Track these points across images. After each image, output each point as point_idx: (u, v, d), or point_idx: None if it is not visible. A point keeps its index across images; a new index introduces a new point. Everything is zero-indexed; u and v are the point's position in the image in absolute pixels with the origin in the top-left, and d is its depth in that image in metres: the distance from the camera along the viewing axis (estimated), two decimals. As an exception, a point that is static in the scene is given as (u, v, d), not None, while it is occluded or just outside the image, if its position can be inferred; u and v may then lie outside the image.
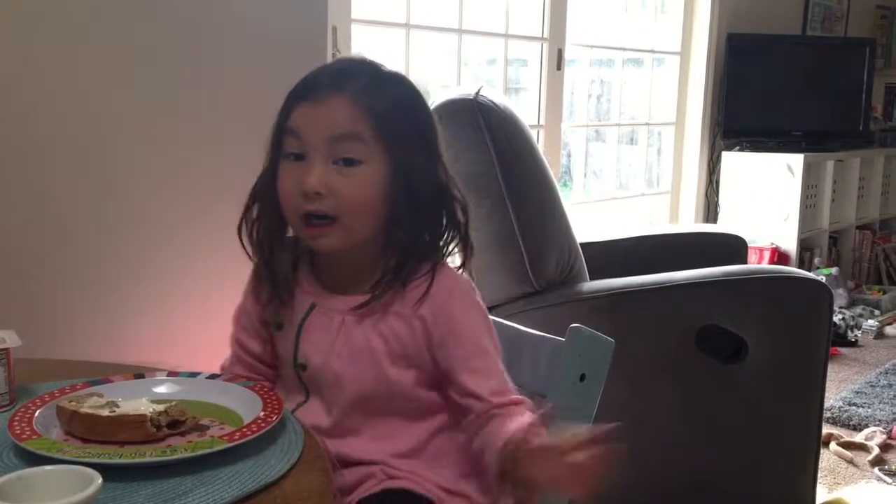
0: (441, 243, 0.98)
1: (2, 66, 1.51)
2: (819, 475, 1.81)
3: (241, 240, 1.00)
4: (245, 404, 0.88)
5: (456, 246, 0.99)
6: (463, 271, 1.00)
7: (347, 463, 0.98)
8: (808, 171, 3.63)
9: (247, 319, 1.04)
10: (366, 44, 2.28)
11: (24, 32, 1.53)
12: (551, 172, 1.87)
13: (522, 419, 0.89)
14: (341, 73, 0.95)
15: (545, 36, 2.91)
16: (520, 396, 0.96)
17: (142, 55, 1.69)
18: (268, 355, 1.05)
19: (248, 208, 1.00)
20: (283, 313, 1.00)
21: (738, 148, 3.72)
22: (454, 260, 1.01)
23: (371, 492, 0.96)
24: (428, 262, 0.96)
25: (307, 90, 0.94)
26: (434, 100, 1.82)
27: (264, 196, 0.98)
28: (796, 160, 3.58)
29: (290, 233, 1.01)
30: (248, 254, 1.00)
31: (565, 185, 3.29)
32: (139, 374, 0.97)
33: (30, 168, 1.57)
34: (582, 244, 1.88)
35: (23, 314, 1.51)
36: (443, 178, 0.97)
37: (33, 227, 1.58)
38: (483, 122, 1.73)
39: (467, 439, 0.96)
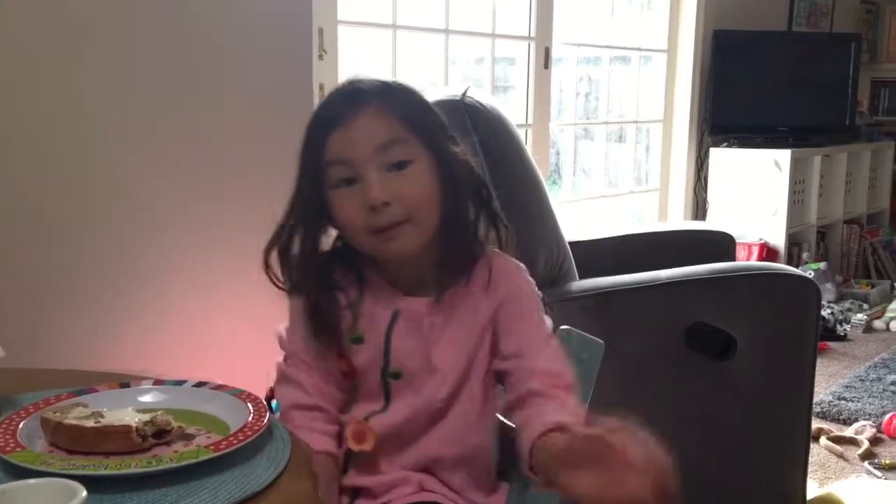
0: (478, 226, 1.02)
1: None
2: (809, 470, 1.82)
3: (269, 275, 1.00)
4: (232, 412, 0.88)
5: (491, 225, 1.02)
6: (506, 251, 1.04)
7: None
8: (796, 166, 3.65)
9: (318, 347, 1.01)
10: (352, 45, 2.27)
11: (16, 32, 1.52)
12: (539, 172, 1.87)
13: (565, 407, 0.90)
14: (353, 93, 0.97)
15: (532, 35, 2.90)
16: (569, 380, 0.96)
17: (126, 59, 1.68)
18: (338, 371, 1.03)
19: (277, 240, 1.00)
20: (360, 326, 1.00)
21: (725, 144, 3.73)
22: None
23: (405, 501, 0.98)
24: (479, 246, 1.01)
25: (331, 121, 0.95)
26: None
27: (308, 230, 0.99)
28: (783, 156, 3.60)
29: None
30: (278, 286, 1.01)
31: (554, 183, 3.30)
32: (124, 382, 0.96)
33: (14, 174, 1.55)
34: (571, 243, 1.87)
35: (5, 324, 1.50)
36: (468, 158, 1.01)
37: (16, 235, 1.57)
38: (470, 122, 1.72)
39: (508, 403, 0.98)
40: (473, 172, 1.01)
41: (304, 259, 0.99)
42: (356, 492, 1.01)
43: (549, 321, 1.03)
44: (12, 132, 1.54)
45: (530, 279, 1.03)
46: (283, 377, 1.02)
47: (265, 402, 0.90)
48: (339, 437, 1.00)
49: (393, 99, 0.96)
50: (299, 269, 1.00)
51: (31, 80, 1.56)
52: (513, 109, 2.89)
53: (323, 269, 1.01)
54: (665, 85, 3.65)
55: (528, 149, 1.88)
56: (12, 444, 0.79)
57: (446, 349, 0.99)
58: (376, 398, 1.01)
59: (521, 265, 1.04)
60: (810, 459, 1.83)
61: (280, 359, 1.04)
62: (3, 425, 0.83)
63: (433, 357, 0.99)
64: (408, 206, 0.94)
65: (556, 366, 0.97)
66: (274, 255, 1.01)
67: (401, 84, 1.00)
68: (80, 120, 1.63)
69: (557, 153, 3.34)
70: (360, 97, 0.95)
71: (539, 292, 1.04)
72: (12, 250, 1.56)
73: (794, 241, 3.81)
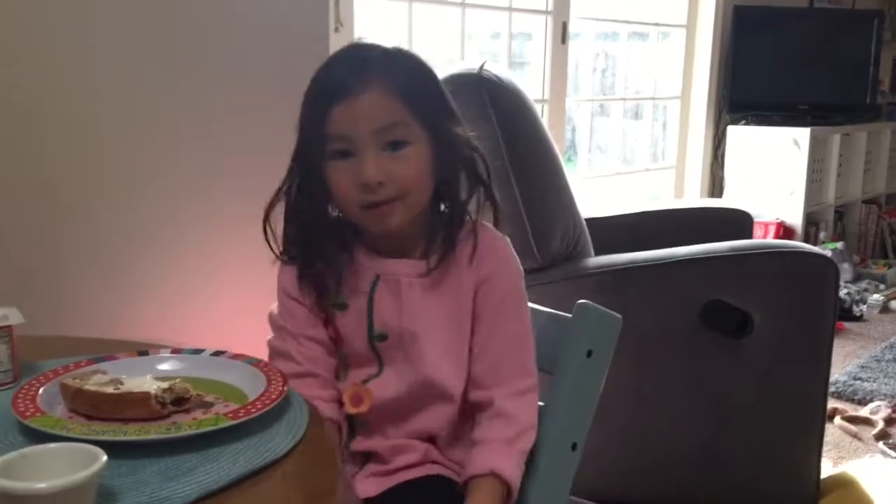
0: (470, 199, 1.02)
1: (21, 64, 1.50)
2: (824, 449, 1.81)
3: (268, 242, 1.00)
4: (249, 381, 0.88)
5: (486, 200, 1.02)
6: (497, 227, 1.04)
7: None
8: (815, 144, 3.60)
9: (304, 317, 1.01)
10: (368, 18, 2.26)
11: (40, 32, 1.52)
12: (556, 147, 1.85)
13: (512, 445, 0.95)
14: (360, 64, 0.95)
15: (549, 9, 2.87)
16: (523, 383, 0.99)
17: (141, 29, 1.67)
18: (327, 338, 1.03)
19: (269, 208, 1.00)
20: (343, 293, 1.00)
21: (743, 122, 3.69)
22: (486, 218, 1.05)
23: (415, 476, 0.99)
24: (465, 218, 1.01)
25: (335, 92, 0.94)
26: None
27: (306, 198, 0.99)
28: (802, 134, 3.56)
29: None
30: (274, 252, 1.01)
31: (570, 159, 3.28)
32: (143, 350, 0.96)
33: (33, 147, 1.56)
34: (586, 219, 1.87)
35: (26, 291, 1.51)
36: (468, 136, 1.00)
37: (37, 204, 1.57)
38: (487, 97, 1.71)
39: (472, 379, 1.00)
40: (472, 148, 1.00)
41: (299, 224, 0.99)
42: (367, 457, 1.02)
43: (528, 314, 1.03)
44: (38, 108, 1.55)
45: (514, 254, 1.03)
46: (273, 353, 1.03)
47: (281, 371, 0.90)
48: (339, 403, 1.01)
49: (398, 75, 0.95)
50: (294, 234, 1.00)
51: (50, 67, 1.56)
52: (529, 85, 2.87)
53: (315, 236, 1.00)
54: (683, 61, 3.60)
55: (545, 124, 1.86)
56: (32, 409, 0.79)
57: (422, 310, 0.99)
58: (370, 362, 1.02)
59: (506, 238, 1.03)
60: (825, 439, 1.82)
61: (270, 337, 1.05)
62: (24, 390, 0.83)
63: (410, 317, 0.98)
64: (401, 186, 0.95)
65: (523, 379, 0.99)
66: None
67: (404, 54, 0.98)
68: (104, 100, 1.63)
69: (573, 129, 3.31)
70: (365, 70, 0.94)
71: (521, 268, 1.03)
72: (36, 224, 1.57)
73: (811, 220, 3.77)
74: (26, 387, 0.85)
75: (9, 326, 0.91)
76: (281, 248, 1.01)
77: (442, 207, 1.01)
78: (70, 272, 1.62)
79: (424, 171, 0.96)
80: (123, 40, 1.65)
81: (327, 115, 0.94)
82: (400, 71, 0.96)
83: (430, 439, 1.02)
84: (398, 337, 0.99)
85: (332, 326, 1.02)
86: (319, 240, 1.00)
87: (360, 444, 1.02)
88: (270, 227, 1.00)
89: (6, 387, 0.89)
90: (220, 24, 1.78)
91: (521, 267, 1.03)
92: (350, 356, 1.03)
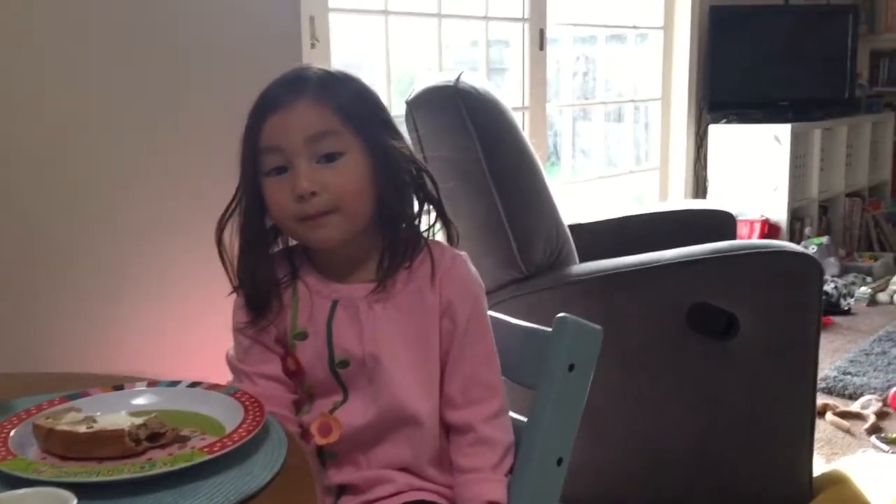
0: (420, 217, 1.02)
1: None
2: (816, 446, 1.81)
3: (225, 268, 1.00)
4: (227, 413, 0.87)
5: (437, 218, 1.02)
6: (453, 244, 1.03)
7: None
8: (796, 140, 3.62)
9: (258, 353, 1.01)
10: (344, 33, 2.25)
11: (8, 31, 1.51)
12: (536, 155, 1.85)
13: (489, 478, 0.97)
14: (296, 80, 0.96)
15: (526, 16, 2.88)
16: (496, 405, 1.00)
17: (113, 52, 1.66)
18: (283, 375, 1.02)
19: (222, 230, 0.99)
20: (301, 322, 1.00)
21: (724, 121, 3.71)
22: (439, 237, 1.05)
23: (399, 501, 0.98)
24: (419, 238, 1.00)
25: (269, 105, 0.95)
26: (415, 87, 1.80)
27: (247, 217, 0.98)
28: (783, 130, 3.57)
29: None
30: (230, 278, 1.00)
31: (553, 165, 3.28)
32: (118, 385, 0.95)
33: (7, 180, 1.54)
34: (570, 226, 1.86)
35: (2, 331, 1.49)
36: (411, 152, 1.00)
37: (10, 237, 1.55)
38: (464, 108, 1.71)
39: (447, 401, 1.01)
40: (415, 165, 1.00)
41: (244, 245, 0.98)
42: (340, 490, 1.01)
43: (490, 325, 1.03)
44: (6, 138, 1.53)
45: (474, 272, 1.02)
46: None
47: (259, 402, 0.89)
48: (304, 436, 1.00)
49: (331, 89, 0.95)
50: (240, 256, 0.99)
51: (24, 81, 1.54)
52: (509, 91, 2.87)
53: (260, 257, 0.99)
54: (662, 62, 3.62)
55: (525, 132, 1.86)
56: (3, 452, 0.78)
57: (384, 334, 0.98)
58: (334, 391, 1.00)
59: (463, 255, 1.03)
60: (816, 436, 1.82)
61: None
62: (-5, 433, 0.82)
63: (372, 341, 0.97)
64: (334, 198, 0.94)
65: (494, 400, 1.00)
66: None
67: (345, 74, 1.00)
68: (77, 125, 1.61)
69: (556, 135, 3.32)
70: (299, 84, 0.95)
71: (482, 283, 1.03)
72: (8, 258, 1.55)
73: (796, 216, 3.79)
74: (-2, 428, 0.83)
75: (-20, 366, 0.89)
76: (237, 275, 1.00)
77: (390, 226, 1.00)
78: (47, 304, 1.60)
79: (360, 183, 0.95)
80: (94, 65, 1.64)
81: (261, 128, 0.94)
82: (334, 85, 0.96)
83: (405, 469, 1.00)
84: (360, 362, 0.98)
85: (292, 357, 1.01)
86: (264, 261, 0.99)
87: (332, 477, 1.00)
88: (225, 251, 0.99)
89: (-22, 429, 0.88)
90: (189, 43, 1.77)
91: (481, 282, 1.03)
92: (314, 386, 1.01)
